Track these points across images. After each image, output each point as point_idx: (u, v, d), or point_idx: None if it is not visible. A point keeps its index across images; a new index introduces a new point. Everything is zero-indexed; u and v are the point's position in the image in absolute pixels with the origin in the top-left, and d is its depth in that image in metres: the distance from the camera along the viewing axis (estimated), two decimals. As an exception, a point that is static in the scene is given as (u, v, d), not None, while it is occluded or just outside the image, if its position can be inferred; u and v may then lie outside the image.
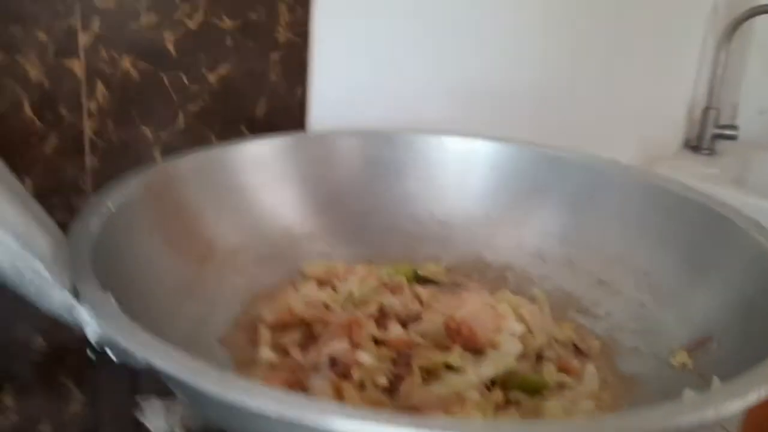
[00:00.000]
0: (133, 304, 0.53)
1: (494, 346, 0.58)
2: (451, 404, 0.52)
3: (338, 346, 0.57)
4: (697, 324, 0.60)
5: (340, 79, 0.88)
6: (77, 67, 0.68)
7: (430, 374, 0.55)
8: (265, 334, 0.60)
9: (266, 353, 0.58)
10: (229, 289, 0.67)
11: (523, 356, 0.59)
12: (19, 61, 0.64)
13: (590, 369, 0.60)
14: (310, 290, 0.63)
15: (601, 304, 0.69)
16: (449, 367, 0.56)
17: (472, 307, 0.61)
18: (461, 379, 0.54)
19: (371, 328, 0.59)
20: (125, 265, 0.56)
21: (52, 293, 0.42)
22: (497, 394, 0.54)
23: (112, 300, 0.43)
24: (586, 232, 0.74)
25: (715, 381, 0.50)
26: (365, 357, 0.56)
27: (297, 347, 0.59)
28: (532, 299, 0.68)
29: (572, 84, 1.22)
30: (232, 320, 0.64)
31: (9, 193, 0.41)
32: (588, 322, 0.68)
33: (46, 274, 0.41)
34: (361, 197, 0.78)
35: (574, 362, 0.61)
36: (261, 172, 0.72)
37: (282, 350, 0.59)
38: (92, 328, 0.41)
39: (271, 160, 0.74)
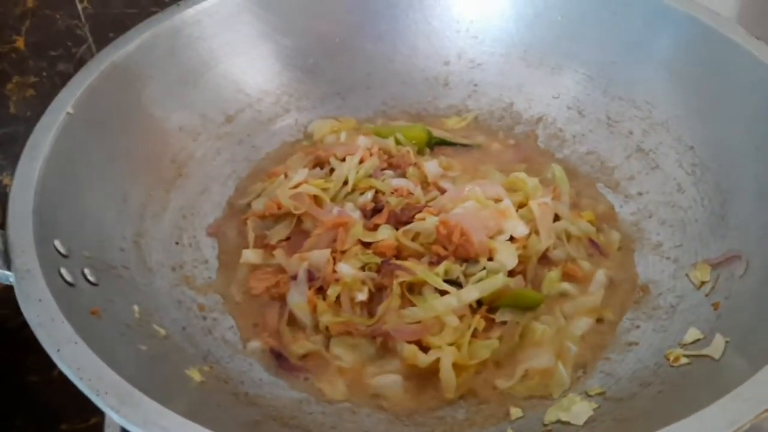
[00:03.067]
0: (107, 211, 0.52)
1: (489, 254, 0.53)
2: (426, 331, 0.50)
3: (318, 257, 0.53)
4: (734, 232, 0.52)
5: None
6: None
7: (412, 289, 0.52)
8: (250, 233, 0.57)
9: (248, 256, 0.56)
10: (226, 164, 0.64)
11: (523, 261, 0.53)
12: None
13: (599, 276, 0.54)
14: (302, 178, 0.58)
15: (636, 179, 0.61)
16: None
17: (473, 204, 0.55)
18: (441, 302, 0.50)
19: (359, 231, 0.54)
20: (93, 172, 0.53)
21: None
22: (478, 321, 0.50)
23: (41, 275, 0.41)
24: (634, 84, 0.63)
25: (718, 338, 0.44)
26: (346, 269, 0.53)
27: (283, 246, 0.57)
28: (550, 180, 0.60)
29: None
30: (224, 204, 0.62)
31: None
32: (617, 202, 0.60)
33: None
34: (368, 42, 0.68)
35: (584, 265, 0.55)
36: (235, 31, 0.64)
37: (268, 247, 0.57)
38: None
39: (246, 15, 0.64)
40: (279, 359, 0.50)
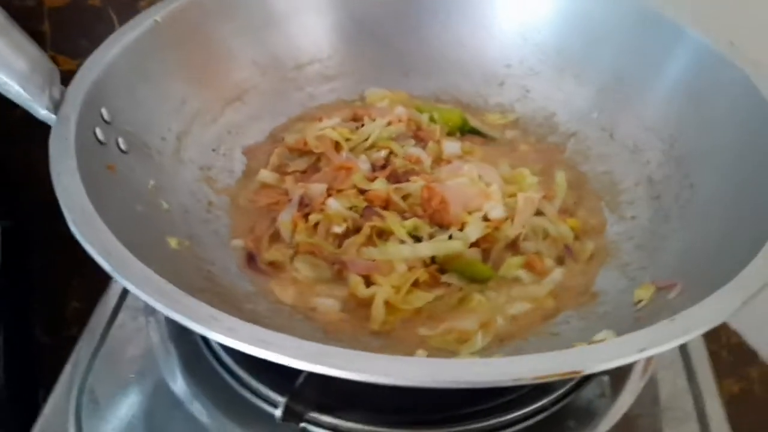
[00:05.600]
0: (163, 107, 0.62)
1: (461, 225, 0.58)
2: (377, 269, 0.56)
3: (315, 188, 0.61)
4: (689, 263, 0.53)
5: None
6: None
7: (381, 236, 0.58)
8: (274, 158, 0.66)
9: (264, 175, 0.65)
10: (282, 103, 0.73)
11: (491, 241, 0.58)
12: None
13: (556, 273, 0.58)
14: (331, 124, 0.66)
15: (635, 204, 0.63)
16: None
17: (464, 180, 0.60)
18: (396, 249, 0.56)
19: (358, 178, 0.61)
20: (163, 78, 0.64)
21: (33, 106, 0.52)
22: (422, 273, 0.55)
23: (75, 123, 0.51)
24: (667, 117, 0.64)
25: (601, 334, 0.47)
26: (334, 204, 0.60)
27: (296, 175, 0.65)
28: (551, 185, 0.63)
29: None
30: (269, 131, 0.70)
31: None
32: (611, 221, 0.63)
33: (21, 90, 0.51)
34: (442, 31, 0.75)
35: (546, 262, 0.58)
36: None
37: (284, 173, 0.65)
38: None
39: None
40: (250, 259, 0.58)
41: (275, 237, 0.60)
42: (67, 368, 0.57)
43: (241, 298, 0.54)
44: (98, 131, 0.55)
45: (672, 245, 0.57)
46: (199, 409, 0.54)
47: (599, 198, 0.65)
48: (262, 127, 0.70)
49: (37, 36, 0.81)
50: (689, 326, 0.39)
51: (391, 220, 0.57)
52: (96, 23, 0.83)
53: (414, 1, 0.75)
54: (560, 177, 0.63)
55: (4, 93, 0.52)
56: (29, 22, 0.80)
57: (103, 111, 0.56)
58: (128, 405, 0.55)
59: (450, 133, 0.70)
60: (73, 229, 0.44)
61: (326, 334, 0.53)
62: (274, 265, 0.58)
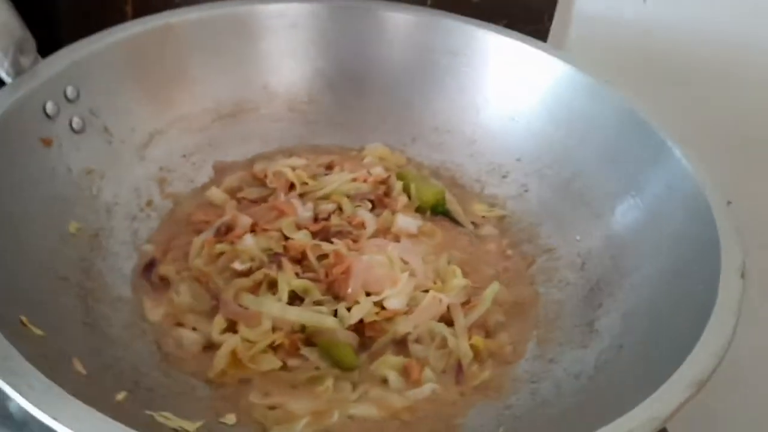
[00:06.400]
0: (146, 104, 0.64)
1: (353, 302, 0.54)
2: (244, 319, 0.53)
3: (241, 219, 0.60)
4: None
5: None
6: None
7: (272, 287, 0.55)
8: (232, 180, 0.65)
9: (212, 193, 0.64)
10: (279, 131, 0.72)
11: (379, 331, 0.53)
12: None
13: (426, 388, 0.51)
14: (294, 164, 0.65)
15: (563, 348, 0.55)
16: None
17: (382, 259, 0.56)
18: (266, 303, 0.53)
19: (286, 224, 0.59)
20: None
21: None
22: (282, 337, 0.52)
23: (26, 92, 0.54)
24: (638, 269, 0.56)
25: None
26: (248, 241, 0.58)
27: (243, 202, 0.64)
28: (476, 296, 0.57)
29: None
30: (252, 155, 0.70)
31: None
32: (529, 356, 0.55)
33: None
34: (467, 112, 0.70)
35: (426, 373, 0.52)
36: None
37: (233, 197, 0.64)
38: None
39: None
40: (148, 267, 0.58)
41: (184, 255, 0.59)
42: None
43: (104, 300, 0.54)
44: (49, 105, 0.56)
45: (561, 404, 0.49)
46: None
47: (535, 327, 0.57)
48: (248, 149, 0.70)
49: (118, 14, 0.87)
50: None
51: (283, 275, 0.54)
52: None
53: (447, 77, 0.71)
54: (490, 290, 0.56)
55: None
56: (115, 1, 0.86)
57: (69, 89, 0.58)
58: None
59: (420, 209, 0.65)
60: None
61: (159, 365, 0.51)
62: (163, 281, 0.57)
